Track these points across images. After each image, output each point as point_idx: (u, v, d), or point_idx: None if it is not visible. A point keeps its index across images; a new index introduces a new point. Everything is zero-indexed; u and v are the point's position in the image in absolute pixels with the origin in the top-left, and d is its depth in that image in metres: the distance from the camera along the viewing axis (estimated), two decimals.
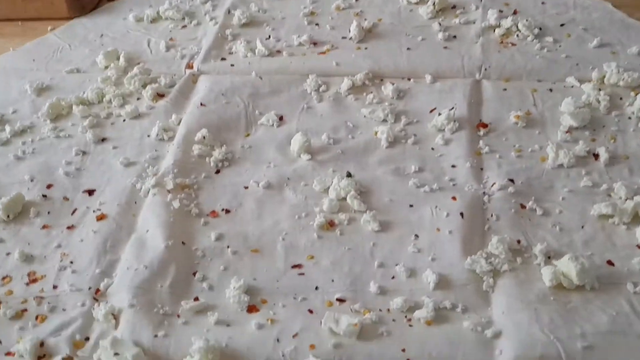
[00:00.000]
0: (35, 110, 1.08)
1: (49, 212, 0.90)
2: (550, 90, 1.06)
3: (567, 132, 0.97)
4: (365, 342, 0.71)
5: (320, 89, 1.09)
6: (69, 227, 0.87)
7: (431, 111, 1.02)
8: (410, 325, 0.73)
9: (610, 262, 0.78)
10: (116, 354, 0.69)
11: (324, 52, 1.16)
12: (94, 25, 1.32)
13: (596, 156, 0.93)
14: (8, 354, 0.73)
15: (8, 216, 0.88)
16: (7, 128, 1.03)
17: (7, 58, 1.22)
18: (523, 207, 0.86)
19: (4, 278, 0.81)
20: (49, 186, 0.94)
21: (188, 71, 1.15)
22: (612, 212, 0.83)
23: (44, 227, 0.88)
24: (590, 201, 0.86)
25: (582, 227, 0.83)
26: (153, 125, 1.02)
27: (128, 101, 1.09)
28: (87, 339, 0.74)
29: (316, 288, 0.78)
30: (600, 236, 0.82)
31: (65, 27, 1.32)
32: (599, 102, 1.01)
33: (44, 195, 0.92)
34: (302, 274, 0.81)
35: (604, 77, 1.06)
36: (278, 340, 0.72)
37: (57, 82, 1.14)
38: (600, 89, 1.04)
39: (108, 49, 1.19)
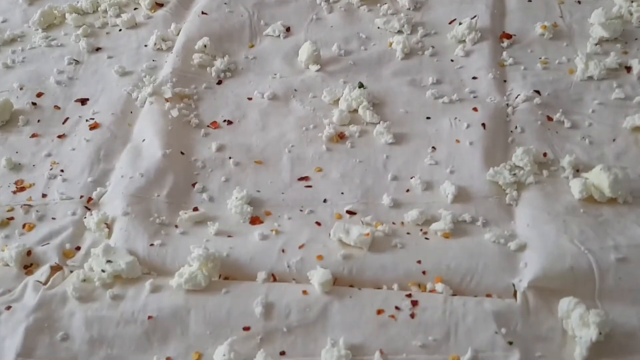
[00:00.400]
0: (26, 19, 1.01)
1: (38, 121, 0.84)
2: (579, 2, 0.98)
3: (597, 44, 0.90)
4: (378, 254, 0.65)
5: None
6: (59, 136, 0.82)
7: (450, 22, 0.95)
8: (427, 238, 0.67)
9: None
10: (109, 261, 0.64)
11: None
12: None
13: (628, 69, 0.86)
14: None
15: None
16: None
17: None
18: (550, 119, 0.80)
19: None
20: (39, 95, 0.87)
21: None
22: None
23: (33, 135, 0.82)
24: (622, 114, 0.80)
25: (614, 140, 0.77)
26: (151, 35, 0.95)
27: (124, 10, 1.02)
28: (78, 248, 0.69)
29: (324, 200, 0.73)
30: (633, 149, 0.76)
31: None
32: (631, 14, 0.94)
33: (34, 104, 0.86)
34: (310, 186, 0.75)
35: None
36: (283, 250, 0.66)
37: None
38: (632, 1, 0.96)
39: None
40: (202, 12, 0.98)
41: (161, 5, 1.02)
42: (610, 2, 0.97)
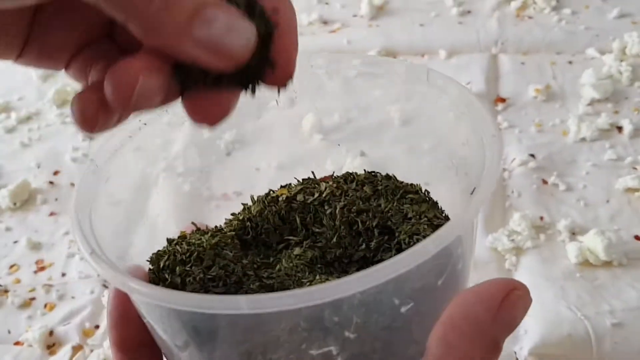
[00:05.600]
0: (41, 96, 1.06)
1: (56, 199, 0.88)
2: (570, 62, 1.02)
3: (588, 104, 0.93)
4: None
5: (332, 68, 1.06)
6: None
7: None
8: None
9: (638, 237, 0.75)
10: None
11: (334, 31, 1.13)
12: None
13: (620, 129, 0.89)
14: (17, 343, 0.71)
15: (15, 204, 0.86)
16: (13, 115, 1.01)
17: None
18: (545, 182, 0.83)
19: (11, 266, 0.79)
20: (55, 172, 0.92)
21: None
22: (639, 185, 0.79)
23: (51, 214, 0.86)
24: (615, 175, 0.83)
25: (608, 201, 0.80)
26: (162, 111, 1.00)
27: None
28: (97, 327, 0.72)
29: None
30: (627, 210, 0.79)
31: None
32: (620, 73, 0.98)
33: (51, 182, 0.90)
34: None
35: (625, 47, 1.02)
36: None
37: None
38: (621, 60, 1.00)
39: None
40: None
41: None
42: (600, 62, 1.01)
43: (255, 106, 1.01)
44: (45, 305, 0.74)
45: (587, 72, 0.96)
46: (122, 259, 0.78)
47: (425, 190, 0.49)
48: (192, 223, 0.58)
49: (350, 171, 0.54)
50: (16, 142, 0.97)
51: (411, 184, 0.49)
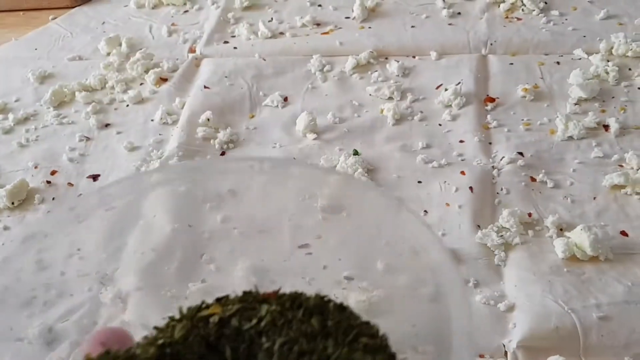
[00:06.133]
0: (38, 98, 1.07)
1: (53, 199, 0.89)
2: (558, 63, 1.04)
3: (576, 104, 0.95)
4: (374, 319, 0.70)
5: (325, 69, 1.07)
6: None
7: (437, 87, 1.01)
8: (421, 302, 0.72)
9: (624, 233, 0.77)
10: None
11: (327, 33, 1.15)
12: (96, 13, 1.31)
13: (606, 127, 0.91)
14: (18, 340, 0.72)
15: (12, 203, 0.87)
16: (10, 116, 1.02)
17: (10, 47, 1.22)
18: (533, 180, 0.85)
19: None
20: (53, 172, 0.93)
21: (191, 55, 1.14)
22: (625, 182, 0.81)
23: (49, 213, 0.87)
24: (601, 172, 0.85)
25: (594, 198, 0.82)
26: (156, 110, 1.01)
27: (131, 86, 1.08)
28: (95, 323, 0.73)
29: (324, 267, 0.77)
30: (613, 207, 0.81)
31: (66, 15, 1.31)
32: (607, 73, 1.00)
33: (48, 182, 0.91)
34: (310, 253, 0.79)
35: (612, 48, 1.05)
36: None
37: (59, 70, 1.13)
38: (608, 60, 1.02)
39: (110, 36, 1.18)
40: (205, 87, 1.05)
41: (165, 80, 1.08)
42: (587, 62, 1.03)
43: (249, 106, 1.03)
44: (45, 303, 0.76)
45: (575, 72, 0.98)
46: (115, 258, 0.80)
47: (383, 334, 0.41)
48: (101, 344, 0.49)
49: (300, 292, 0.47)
50: (14, 142, 0.98)
51: (367, 323, 0.42)
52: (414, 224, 0.42)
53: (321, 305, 0.41)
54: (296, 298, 0.41)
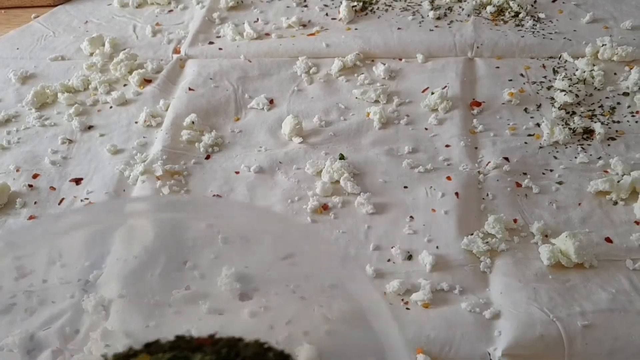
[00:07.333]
0: (20, 99, 1.05)
1: (35, 203, 0.88)
2: (544, 66, 1.04)
3: (561, 108, 0.95)
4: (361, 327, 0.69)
5: (311, 71, 1.07)
6: None
7: (423, 91, 1.01)
8: (408, 309, 0.71)
9: (608, 239, 0.77)
10: (107, 345, 0.68)
11: (313, 34, 1.14)
12: (78, 11, 1.29)
13: (592, 132, 0.91)
14: None
15: None
16: None
17: None
18: (519, 185, 0.85)
19: None
20: (35, 176, 0.91)
21: (175, 56, 1.13)
22: (610, 188, 0.82)
23: (31, 217, 0.86)
24: (586, 178, 0.85)
25: (579, 204, 0.82)
26: (140, 112, 1.00)
27: (114, 88, 1.07)
28: (77, 331, 0.72)
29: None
30: (598, 213, 0.81)
31: (48, 14, 1.29)
32: (593, 77, 1.00)
33: (30, 185, 0.90)
34: (295, 261, 0.79)
35: (598, 52, 1.05)
36: (272, 327, 0.70)
37: (41, 70, 1.12)
38: (594, 64, 1.02)
39: (93, 35, 1.16)
40: (189, 89, 1.04)
41: (149, 81, 1.07)
42: (573, 66, 1.03)
43: (234, 109, 1.02)
44: (26, 311, 0.75)
45: (560, 76, 0.98)
46: (96, 265, 0.79)
47: None
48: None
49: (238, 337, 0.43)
50: None
51: None
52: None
53: (260, 354, 0.36)
54: (233, 346, 0.36)
